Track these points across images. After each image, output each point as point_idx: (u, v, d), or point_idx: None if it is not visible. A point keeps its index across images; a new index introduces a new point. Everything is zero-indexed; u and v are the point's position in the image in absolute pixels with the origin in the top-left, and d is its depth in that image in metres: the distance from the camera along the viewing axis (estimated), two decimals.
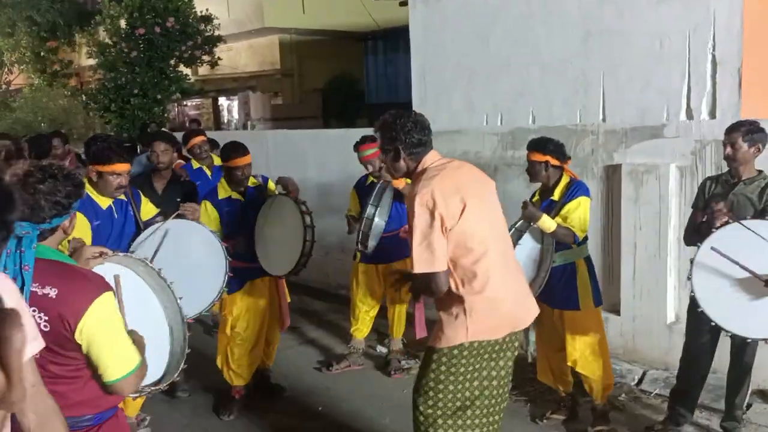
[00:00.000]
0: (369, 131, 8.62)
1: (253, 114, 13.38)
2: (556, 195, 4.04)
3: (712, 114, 4.85)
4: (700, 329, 3.97)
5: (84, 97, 13.03)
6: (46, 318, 2.07)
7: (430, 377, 2.99)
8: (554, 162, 4.01)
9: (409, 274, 3.09)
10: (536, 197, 4.21)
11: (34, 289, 2.08)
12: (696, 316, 3.94)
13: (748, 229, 3.38)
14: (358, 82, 13.49)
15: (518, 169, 5.73)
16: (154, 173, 5.03)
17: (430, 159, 2.98)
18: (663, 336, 5.01)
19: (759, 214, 3.69)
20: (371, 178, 5.23)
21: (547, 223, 3.85)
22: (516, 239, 3.94)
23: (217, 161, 6.35)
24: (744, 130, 3.73)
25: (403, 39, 12.34)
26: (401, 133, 2.94)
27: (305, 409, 4.77)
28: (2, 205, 1.74)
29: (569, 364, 4.11)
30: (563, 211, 3.92)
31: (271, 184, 5.30)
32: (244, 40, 14.83)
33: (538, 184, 4.25)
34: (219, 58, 13.45)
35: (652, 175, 5.03)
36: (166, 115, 13.09)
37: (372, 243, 4.84)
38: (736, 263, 3.34)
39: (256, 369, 4.84)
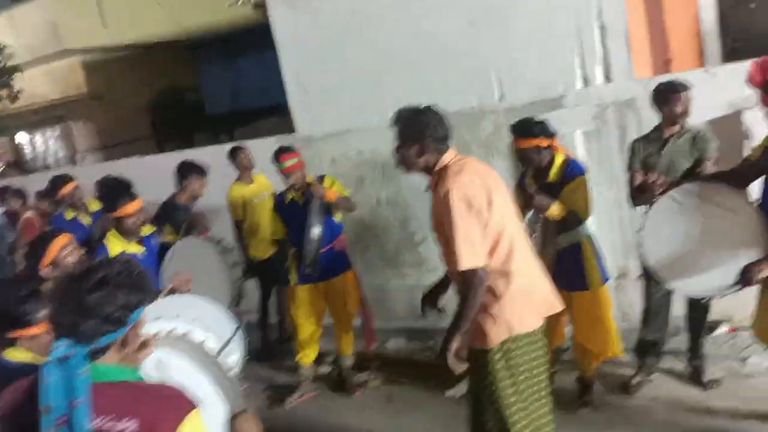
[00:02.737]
0: (216, 147, 8.01)
1: (79, 146, 12.04)
2: (552, 176, 3.98)
3: (608, 78, 5.13)
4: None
5: None
6: None
7: (489, 381, 2.89)
8: (544, 143, 3.94)
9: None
10: (528, 180, 4.10)
11: (106, 426, 1.66)
12: None
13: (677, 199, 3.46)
14: (191, 94, 12.69)
15: None
16: None
17: (449, 156, 2.96)
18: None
19: (696, 164, 3.96)
20: (291, 194, 4.89)
21: (557, 210, 3.80)
22: (530, 233, 3.81)
23: (93, 206, 5.66)
24: (688, 87, 3.96)
25: (244, 43, 11.84)
26: (427, 128, 2.89)
27: None
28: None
29: (579, 341, 4.14)
30: (563, 194, 3.87)
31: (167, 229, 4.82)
32: (39, 65, 13.35)
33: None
34: (19, 91, 12.01)
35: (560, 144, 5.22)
36: None
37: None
38: None
39: None
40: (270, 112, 10.78)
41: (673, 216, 3.38)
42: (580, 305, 4.07)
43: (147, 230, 4.11)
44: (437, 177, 2.93)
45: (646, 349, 4.38)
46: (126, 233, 3.92)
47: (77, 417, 1.62)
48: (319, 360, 5.42)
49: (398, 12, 5.85)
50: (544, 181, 4.03)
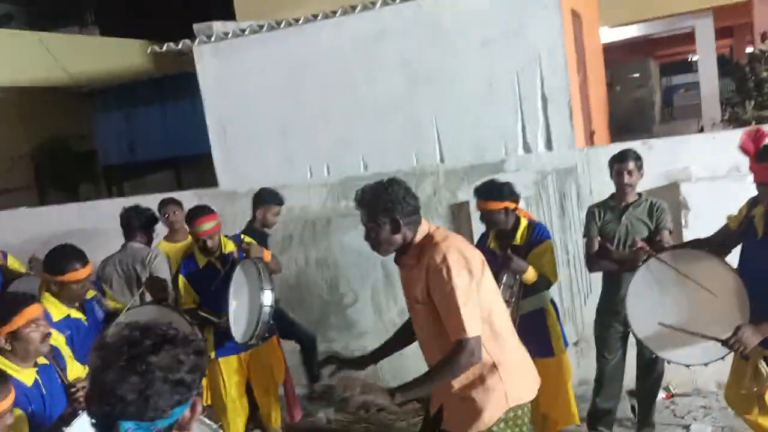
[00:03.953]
0: (107, 201, 7.36)
1: None
2: (518, 239, 3.89)
3: (549, 146, 5.21)
4: (613, 347, 4.20)
5: None
6: None
7: None
8: (513, 205, 3.85)
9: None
10: (492, 242, 3.99)
11: None
12: (608, 335, 4.19)
13: (667, 263, 3.39)
14: (80, 143, 11.74)
15: (354, 219, 5.41)
16: None
17: (426, 225, 2.80)
18: None
19: (653, 233, 4.01)
20: (206, 259, 4.29)
21: (532, 273, 3.70)
22: (508, 297, 3.62)
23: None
24: (633, 156, 4.04)
25: (142, 93, 11.16)
26: (397, 203, 2.68)
27: None
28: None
29: (542, 410, 3.98)
30: (530, 258, 3.78)
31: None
32: None
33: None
34: None
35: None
36: None
37: None
38: (694, 333, 3.23)
39: None
40: (169, 164, 10.21)
41: (655, 285, 3.37)
42: (544, 372, 3.94)
43: (89, 294, 3.58)
44: (420, 247, 2.74)
45: (599, 417, 4.31)
46: (68, 299, 3.40)
47: None
48: None
49: (332, 65, 5.74)
50: (508, 244, 3.94)
